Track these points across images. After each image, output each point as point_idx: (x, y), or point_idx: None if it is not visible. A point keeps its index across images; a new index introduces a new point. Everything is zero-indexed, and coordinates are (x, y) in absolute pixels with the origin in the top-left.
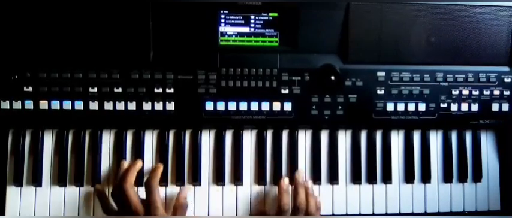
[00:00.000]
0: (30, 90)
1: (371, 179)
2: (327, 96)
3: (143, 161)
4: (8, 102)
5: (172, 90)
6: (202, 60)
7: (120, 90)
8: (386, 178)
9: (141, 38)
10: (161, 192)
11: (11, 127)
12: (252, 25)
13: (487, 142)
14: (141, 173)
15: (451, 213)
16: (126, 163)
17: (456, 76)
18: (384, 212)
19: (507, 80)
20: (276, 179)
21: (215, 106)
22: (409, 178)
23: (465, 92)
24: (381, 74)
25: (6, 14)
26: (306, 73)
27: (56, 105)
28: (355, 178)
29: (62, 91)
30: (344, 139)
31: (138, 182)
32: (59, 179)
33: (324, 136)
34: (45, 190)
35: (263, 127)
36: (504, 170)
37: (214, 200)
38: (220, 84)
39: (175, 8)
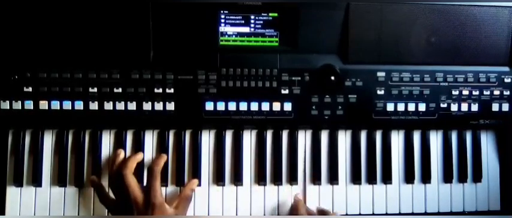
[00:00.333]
0: (30, 90)
1: (371, 180)
2: (327, 96)
3: (143, 161)
4: (8, 102)
5: (172, 90)
6: (202, 60)
7: (120, 90)
8: (386, 178)
9: (141, 38)
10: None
11: (11, 127)
12: (252, 25)
13: (487, 142)
14: (141, 166)
15: (451, 213)
16: (122, 153)
17: (456, 76)
18: (384, 212)
19: (507, 80)
20: (276, 179)
21: (215, 106)
22: (409, 178)
23: (465, 92)
24: (381, 74)
25: (6, 14)
26: (306, 73)
27: (56, 105)
28: (355, 178)
29: (62, 91)
30: (344, 139)
31: (137, 176)
32: (59, 179)
33: (324, 136)
34: (45, 190)
35: (263, 127)
36: (504, 170)
37: (214, 200)
38: (220, 84)
39: (175, 8)
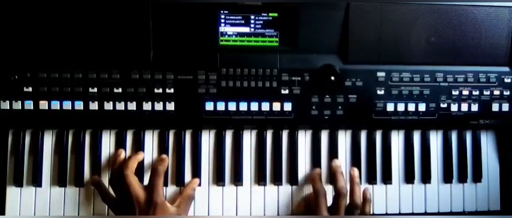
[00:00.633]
0: (30, 90)
1: (371, 180)
2: (327, 96)
3: (143, 161)
4: (8, 102)
5: (172, 90)
6: (202, 60)
7: (120, 90)
8: (386, 178)
9: (141, 38)
10: None
11: (11, 127)
12: (252, 25)
13: (487, 142)
14: (141, 166)
15: (451, 213)
16: (123, 153)
17: (456, 76)
18: (384, 212)
19: (507, 80)
20: (276, 179)
21: (215, 106)
22: (409, 178)
23: (465, 92)
24: (381, 74)
25: (6, 14)
26: (306, 73)
27: (56, 105)
28: None
29: (62, 91)
30: (344, 139)
31: (138, 176)
32: (59, 179)
33: (324, 136)
34: (45, 190)
35: (263, 127)
36: (504, 170)
37: (214, 200)
38: (220, 84)
39: (175, 8)
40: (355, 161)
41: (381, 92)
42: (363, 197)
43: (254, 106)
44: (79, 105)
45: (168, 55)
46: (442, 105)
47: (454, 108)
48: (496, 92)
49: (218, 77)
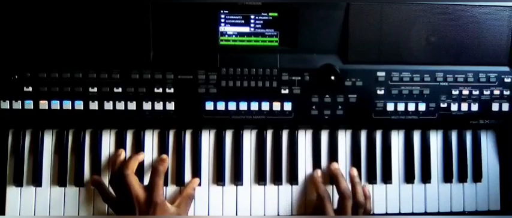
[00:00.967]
0: (30, 90)
1: (371, 179)
2: (327, 96)
3: (143, 161)
4: (8, 102)
5: (172, 90)
6: (202, 60)
7: (120, 90)
8: (386, 178)
9: (141, 38)
10: None
11: (11, 127)
12: (252, 25)
13: (487, 142)
14: (141, 166)
15: (451, 213)
16: (123, 153)
17: (456, 76)
18: (384, 212)
19: (507, 80)
20: (276, 179)
21: (215, 106)
22: (409, 178)
23: (465, 92)
24: (381, 74)
25: (6, 14)
26: (306, 73)
27: (56, 105)
28: None
29: (62, 91)
30: (344, 139)
31: (138, 176)
32: (59, 179)
33: (324, 136)
34: (45, 190)
35: (263, 127)
36: (504, 170)
37: (214, 200)
38: (220, 84)
39: (175, 8)
40: (355, 161)
41: (380, 92)
42: (363, 194)
43: (254, 106)
44: (79, 105)
45: (168, 55)
46: (442, 105)
47: (454, 107)
48: (496, 92)
49: (218, 77)
